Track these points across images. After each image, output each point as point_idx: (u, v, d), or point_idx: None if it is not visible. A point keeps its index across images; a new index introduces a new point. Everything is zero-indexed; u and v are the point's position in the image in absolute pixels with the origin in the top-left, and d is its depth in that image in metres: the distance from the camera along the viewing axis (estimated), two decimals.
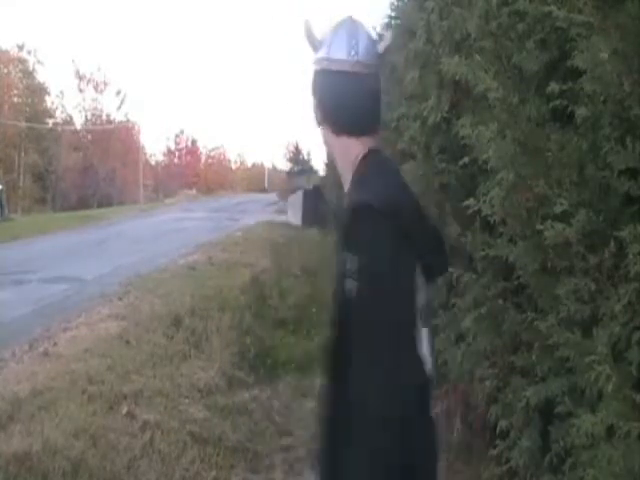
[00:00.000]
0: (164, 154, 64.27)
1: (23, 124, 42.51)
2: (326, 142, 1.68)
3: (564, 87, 2.09)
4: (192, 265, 11.38)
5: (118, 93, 51.25)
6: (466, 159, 2.89)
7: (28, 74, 45.95)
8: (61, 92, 60.58)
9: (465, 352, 3.12)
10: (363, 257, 1.46)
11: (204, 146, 68.10)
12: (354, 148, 1.59)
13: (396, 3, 4.99)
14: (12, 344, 6.50)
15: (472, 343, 3.01)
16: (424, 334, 1.52)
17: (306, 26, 1.65)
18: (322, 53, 1.62)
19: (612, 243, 1.85)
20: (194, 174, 61.90)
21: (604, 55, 1.79)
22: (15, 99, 45.55)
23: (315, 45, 1.64)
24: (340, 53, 1.59)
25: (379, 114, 1.66)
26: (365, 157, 1.58)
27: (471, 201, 2.69)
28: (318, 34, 1.65)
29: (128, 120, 51.65)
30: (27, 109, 45.67)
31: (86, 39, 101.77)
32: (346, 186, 1.62)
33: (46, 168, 44.91)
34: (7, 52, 44.37)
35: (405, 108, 3.83)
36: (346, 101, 1.59)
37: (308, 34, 1.65)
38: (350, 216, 1.50)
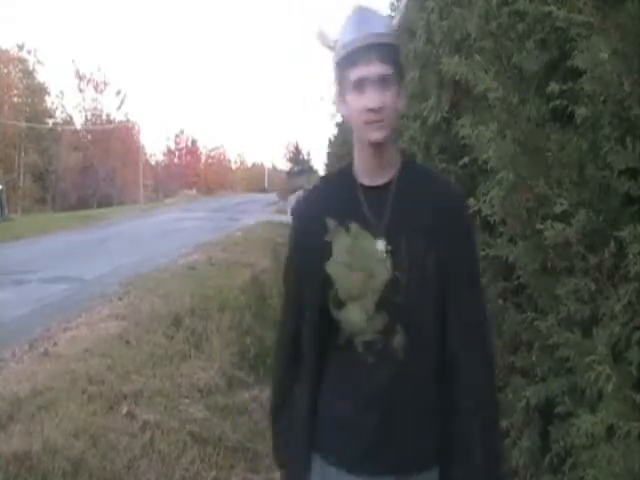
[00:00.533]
0: (164, 154, 64.37)
1: (23, 124, 42.51)
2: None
3: (564, 87, 2.09)
4: (192, 265, 11.38)
5: (118, 93, 51.30)
6: (466, 159, 2.88)
7: (28, 74, 45.94)
8: (61, 92, 60.66)
9: None
10: (475, 246, 1.67)
11: (204, 146, 68.23)
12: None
13: (396, 3, 4.99)
14: (12, 344, 6.50)
15: None
16: None
17: (320, 35, 1.61)
18: (388, 26, 1.56)
19: (612, 243, 1.85)
20: (194, 174, 61.95)
21: (604, 55, 1.79)
22: (15, 99, 45.54)
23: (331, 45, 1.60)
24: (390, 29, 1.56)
25: None
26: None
27: (471, 201, 2.69)
28: (333, 35, 1.60)
29: (128, 120, 51.70)
30: (27, 109, 45.66)
31: (86, 39, 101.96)
32: (386, 171, 1.60)
33: (46, 168, 44.91)
34: (7, 52, 44.38)
35: (405, 108, 3.83)
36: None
37: (323, 40, 1.61)
38: (463, 203, 1.68)
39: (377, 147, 1.57)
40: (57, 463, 3.63)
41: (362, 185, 1.60)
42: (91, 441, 3.96)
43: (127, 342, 6.29)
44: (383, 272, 1.53)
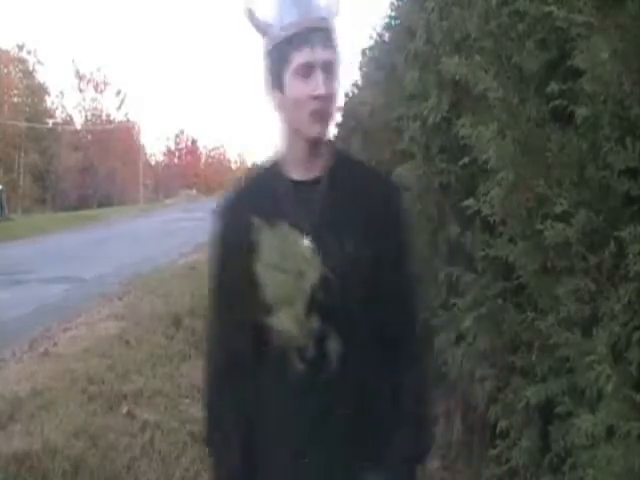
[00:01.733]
0: (164, 154, 64.39)
1: (23, 124, 42.53)
2: None
3: (564, 87, 2.09)
4: (192, 265, 11.38)
5: (118, 93, 51.37)
6: (466, 159, 2.88)
7: (28, 74, 45.99)
8: (61, 92, 60.70)
9: (465, 352, 3.12)
10: (409, 238, 1.65)
11: (204, 146, 68.25)
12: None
13: (396, 3, 4.98)
14: (12, 344, 6.51)
15: (472, 343, 3.01)
16: None
17: (247, 9, 1.46)
18: (327, 7, 1.45)
19: (612, 243, 1.85)
20: (194, 174, 61.95)
21: (604, 55, 1.79)
22: (15, 99, 45.60)
23: (260, 27, 1.46)
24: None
25: None
26: None
27: (471, 201, 2.69)
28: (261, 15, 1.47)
29: (128, 120, 51.71)
30: (27, 109, 45.71)
31: (86, 39, 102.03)
32: None
33: (46, 168, 44.95)
34: (7, 52, 44.41)
35: (405, 108, 3.83)
36: None
37: (251, 18, 1.46)
38: (398, 196, 1.63)
39: (315, 142, 1.47)
40: (57, 463, 3.63)
41: (291, 180, 1.50)
42: (91, 441, 3.96)
43: (127, 342, 6.30)
44: (312, 272, 1.41)
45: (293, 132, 1.47)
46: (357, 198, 1.49)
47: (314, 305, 1.40)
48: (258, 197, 1.53)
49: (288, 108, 1.44)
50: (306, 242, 1.43)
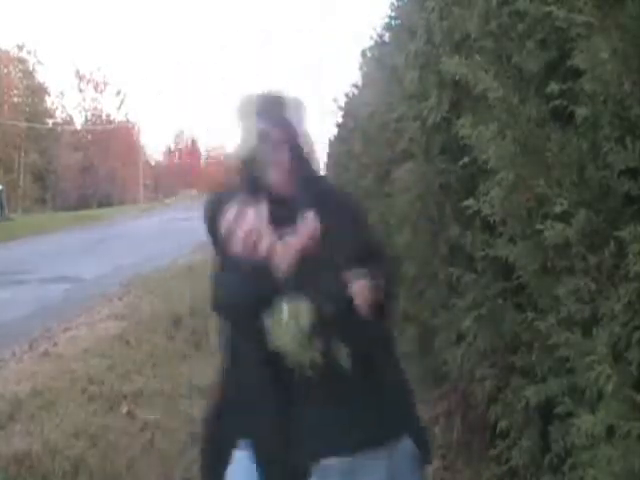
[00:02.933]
0: (164, 154, 64.41)
1: (23, 124, 42.55)
2: None
3: (564, 87, 2.09)
4: (192, 265, 11.38)
5: (118, 93, 51.42)
6: (466, 159, 2.88)
7: (28, 74, 46.03)
8: (61, 92, 60.67)
9: (465, 352, 3.12)
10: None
11: (204, 147, 68.26)
12: None
13: (396, 3, 4.98)
14: (12, 344, 6.51)
15: (472, 343, 3.01)
16: None
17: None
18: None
19: (612, 243, 1.85)
20: (194, 174, 61.98)
21: (604, 55, 1.78)
22: (15, 99, 45.63)
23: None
24: None
25: None
26: None
27: (471, 201, 2.69)
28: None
29: (128, 120, 51.74)
30: (27, 109, 45.74)
31: (86, 39, 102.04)
32: None
33: (46, 168, 44.98)
34: (7, 52, 44.44)
35: (405, 108, 3.83)
36: None
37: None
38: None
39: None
40: (57, 463, 3.63)
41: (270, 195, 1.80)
42: (91, 441, 3.96)
43: (127, 342, 6.30)
44: (304, 318, 1.56)
45: None
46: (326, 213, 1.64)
47: (314, 332, 1.55)
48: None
49: None
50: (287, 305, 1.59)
